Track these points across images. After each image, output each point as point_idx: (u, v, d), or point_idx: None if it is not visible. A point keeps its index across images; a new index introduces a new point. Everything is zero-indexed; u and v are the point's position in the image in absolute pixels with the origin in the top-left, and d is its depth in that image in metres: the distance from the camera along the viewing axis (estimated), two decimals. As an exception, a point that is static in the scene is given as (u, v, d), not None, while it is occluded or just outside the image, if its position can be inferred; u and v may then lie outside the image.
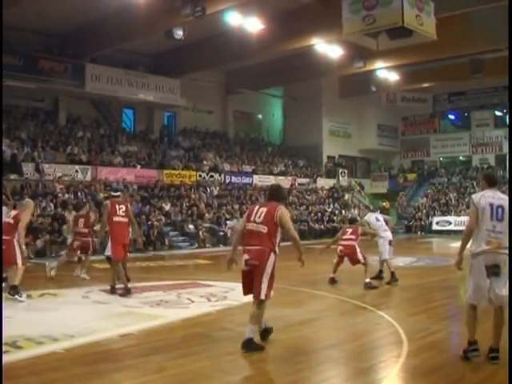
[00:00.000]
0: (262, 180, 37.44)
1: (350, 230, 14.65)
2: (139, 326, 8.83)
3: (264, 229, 7.68)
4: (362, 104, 45.87)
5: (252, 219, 7.81)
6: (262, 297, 7.62)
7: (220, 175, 35.41)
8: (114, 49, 31.18)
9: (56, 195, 25.73)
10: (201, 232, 27.44)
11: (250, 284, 7.78)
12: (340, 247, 14.47)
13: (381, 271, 15.10)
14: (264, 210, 7.81)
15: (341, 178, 43.92)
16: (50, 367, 7.11)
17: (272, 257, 7.71)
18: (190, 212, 29.30)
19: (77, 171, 28.77)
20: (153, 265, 20.13)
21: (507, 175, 38.97)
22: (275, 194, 8.18)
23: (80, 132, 32.79)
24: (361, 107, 46.54)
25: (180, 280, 14.55)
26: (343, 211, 38.28)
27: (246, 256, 7.68)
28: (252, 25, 27.82)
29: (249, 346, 7.54)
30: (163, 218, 27.90)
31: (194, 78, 37.32)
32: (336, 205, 39.20)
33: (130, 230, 13.00)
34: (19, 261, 11.33)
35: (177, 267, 18.76)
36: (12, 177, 26.01)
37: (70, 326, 9.04)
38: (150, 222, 26.88)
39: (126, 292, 12.15)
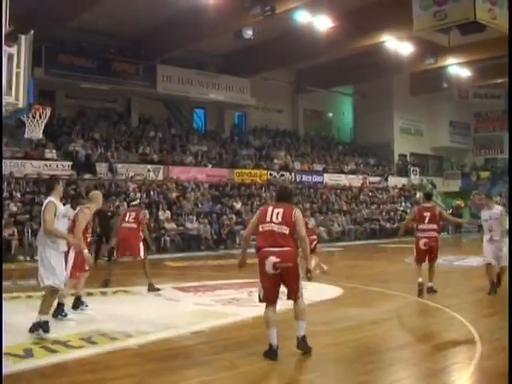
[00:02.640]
0: (332, 179, 37.30)
1: (427, 215, 12.35)
2: (211, 323, 8.91)
3: (286, 229, 7.37)
4: (433, 101, 45.18)
5: (268, 220, 7.47)
6: (299, 295, 7.46)
7: (290, 174, 35.40)
8: (184, 50, 31.57)
9: (129, 194, 26.14)
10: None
11: (276, 288, 7.46)
12: (424, 240, 12.21)
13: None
14: (280, 210, 7.50)
15: (412, 176, 43.38)
16: (124, 363, 7.25)
17: (298, 257, 7.50)
18: (260, 211, 29.38)
19: (149, 171, 29.23)
20: (224, 263, 20.21)
21: None
22: (285, 195, 7.95)
23: (152, 132, 33.31)
24: (432, 104, 45.82)
25: (251, 278, 14.55)
26: (415, 210, 37.70)
27: (273, 258, 7.25)
28: (321, 23, 27.71)
29: (305, 342, 7.44)
30: (234, 217, 28.03)
31: (264, 77, 37.39)
32: (407, 203, 38.71)
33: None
34: (68, 271, 9.52)
35: (248, 265, 18.85)
36: (86, 176, 26.58)
37: (143, 322, 9.18)
38: (221, 221, 27.06)
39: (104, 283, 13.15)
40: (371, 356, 7.46)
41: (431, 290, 12.16)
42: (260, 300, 7.55)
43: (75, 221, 9.66)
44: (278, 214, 7.46)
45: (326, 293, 12.51)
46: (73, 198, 14.71)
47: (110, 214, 21.88)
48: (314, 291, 12.71)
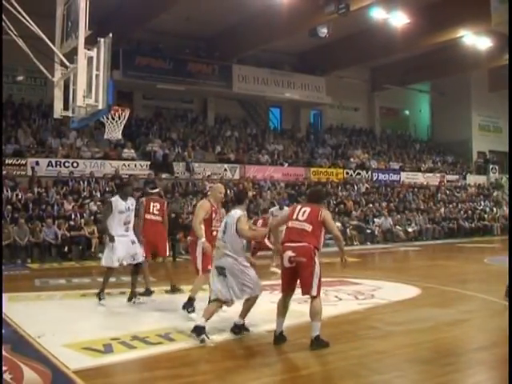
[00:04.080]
0: (409, 177, 36.86)
1: None
2: (286, 322, 8.90)
3: (308, 227, 7.76)
4: (513, 97, 44.06)
5: (294, 218, 7.93)
6: (314, 293, 7.67)
7: (367, 172, 35.13)
8: (259, 49, 31.72)
9: (206, 193, 26.37)
10: (348, 229, 27.29)
11: (291, 281, 7.88)
12: None
13: None
14: (307, 209, 7.94)
15: (491, 174, 42.44)
16: (201, 359, 7.36)
17: (317, 254, 7.77)
18: (337, 209, 29.22)
19: (225, 170, 29.48)
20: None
21: None
22: (315, 197, 8.40)
23: (228, 131, 33.62)
24: (512, 100, 44.68)
25: (327, 277, 14.50)
26: (494, 209, 36.99)
27: (290, 253, 7.70)
28: (397, 19, 27.53)
29: (318, 343, 7.57)
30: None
31: (340, 75, 37.28)
32: (487, 202, 37.92)
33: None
34: (199, 267, 9.69)
35: (324, 265, 18.84)
36: (164, 176, 26.98)
37: (219, 320, 9.24)
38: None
39: (147, 293, 11.51)
40: (449, 358, 7.36)
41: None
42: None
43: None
44: (304, 212, 7.93)
45: (403, 293, 12.39)
46: (119, 188, 13.13)
47: (174, 215, 22.12)
48: (390, 291, 12.67)
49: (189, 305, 9.59)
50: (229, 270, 8.21)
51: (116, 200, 11.02)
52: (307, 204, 8.22)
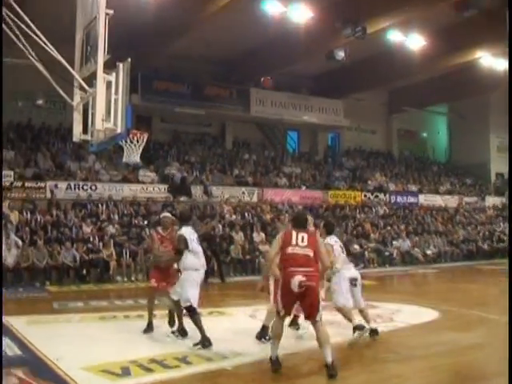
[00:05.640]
0: (428, 199, 36.66)
1: None
2: (306, 345, 8.87)
3: (311, 252, 7.86)
4: (532, 118, 43.86)
5: (294, 243, 7.92)
6: (319, 318, 7.73)
7: (385, 195, 35.02)
8: (276, 73, 31.82)
9: (224, 216, 26.40)
10: (366, 252, 27.18)
11: (294, 305, 8.01)
12: None
13: None
14: (305, 235, 8.01)
15: (511, 195, 42.07)
16: (219, 383, 7.32)
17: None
18: (355, 232, 29.13)
19: (243, 193, 29.48)
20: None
21: None
22: (303, 222, 8.35)
23: (246, 155, 33.69)
24: (531, 121, 44.50)
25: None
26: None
27: (300, 278, 7.62)
28: (414, 41, 27.50)
29: (335, 368, 7.44)
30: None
31: (357, 98, 37.26)
32: (506, 223, 37.63)
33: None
34: (271, 296, 9.46)
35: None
36: (182, 199, 27.04)
37: (238, 343, 9.23)
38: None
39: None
40: (467, 382, 7.32)
41: None
42: (278, 313, 7.96)
43: None
44: (303, 237, 7.98)
45: (422, 316, 12.33)
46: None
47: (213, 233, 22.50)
48: (409, 314, 12.60)
49: (264, 333, 9.48)
50: (359, 281, 9.75)
51: None
52: (301, 229, 8.15)
